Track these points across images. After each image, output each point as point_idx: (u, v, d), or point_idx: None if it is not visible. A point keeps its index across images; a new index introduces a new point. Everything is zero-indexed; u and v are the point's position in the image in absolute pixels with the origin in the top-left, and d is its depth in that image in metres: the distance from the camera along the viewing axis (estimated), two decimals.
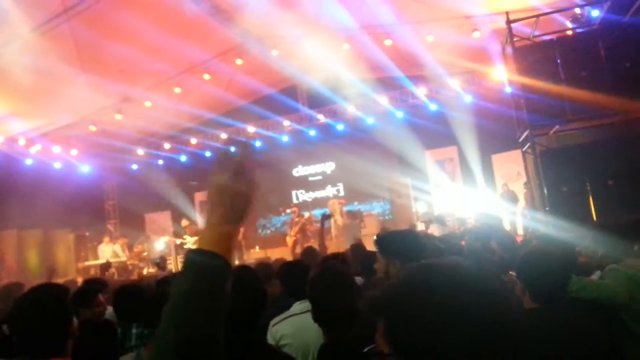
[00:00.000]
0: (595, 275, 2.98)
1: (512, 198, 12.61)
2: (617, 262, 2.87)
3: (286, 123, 15.10)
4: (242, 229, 10.32)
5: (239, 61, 12.86)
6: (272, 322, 2.89)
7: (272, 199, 16.37)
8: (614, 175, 6.72)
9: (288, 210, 13.55)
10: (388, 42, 11.72)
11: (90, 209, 16.26)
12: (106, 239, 13.70)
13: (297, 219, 12.88)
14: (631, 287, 2.64)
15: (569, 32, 8.73)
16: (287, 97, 15.63)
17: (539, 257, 2.26)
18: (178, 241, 12.95)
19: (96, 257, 13.63)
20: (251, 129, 15.19)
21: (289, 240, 12.75)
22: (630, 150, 6.74)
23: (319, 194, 16.38)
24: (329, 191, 16.24)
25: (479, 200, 12.79)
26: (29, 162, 14.10)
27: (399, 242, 2.61)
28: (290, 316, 2.87)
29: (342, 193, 15.98)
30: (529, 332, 2.01)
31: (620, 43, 7.08)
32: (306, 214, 13.30)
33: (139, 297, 3.10)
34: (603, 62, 7.05)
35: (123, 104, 13.69)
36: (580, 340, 1.98)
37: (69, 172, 15.22)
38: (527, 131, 7.65)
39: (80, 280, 10.13)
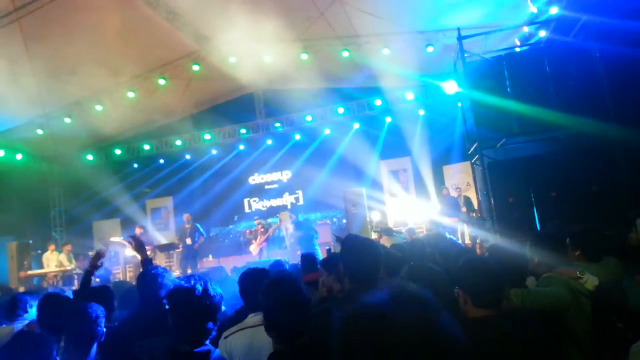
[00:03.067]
0: (530, 281, 3.12)
1: (454, 204, 12.26)
2: (550, 270, 3.01)
3: (242, 131, 15.01)
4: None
5: (195, 67, 12.71)
6: (225, 333, 2.77)
7: (227, 207, 16.22)
8: (557, 188, 7.04)
9: (254, 221, 13.48)
10: (345, 54, 11.89)
11: (35, 216, 15.60)
12: (52, 247, 13.17)
13: (261, 230, 12.85)
14: (568, 293, 2.78)
15: (517, 50, 9.11)
16: (244, 105, 15.56)
17: (474, 263, 2.37)
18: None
19: (40, 266, 13.08)
20: (207, 136, 15.00)
21: (254, 248, 12.70)
22: (573, 164, 7.06)
23: (274, 202, 16.35)
24: (287, 199, 16.24)
25: (430, 210, 13.05)
26: None
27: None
28: (244, 328, 2.75)
29: (300, 202, 16.01)
30: (472, 341, 2.07)
31: (564, 62, 7.42)
32: (274, 224, 13.29)
33: (60, 308, 3.02)
34: (548, 79, 7.38)
35: (73, 107, 13.27)
36: (524, 347, 2.05)
37: (13, 177, 14.54)
38: (476, 143, 7.90)
39: (22, 289, 9.72)
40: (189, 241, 12.16)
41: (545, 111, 6.97)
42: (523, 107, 7.10)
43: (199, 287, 2.16)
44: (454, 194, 12.60)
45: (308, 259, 5.24)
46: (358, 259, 2.67)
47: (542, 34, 9.29)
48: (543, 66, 7.43)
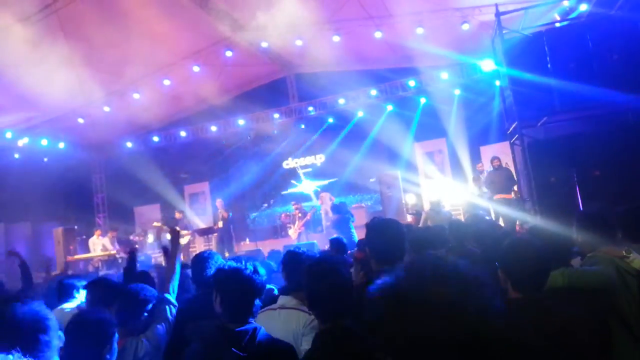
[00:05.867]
0: (575, 261, 3.05)
1: (507, 177, 10.48)
2: (594, 250, 2.93)
3: (276, 115, 15.07)
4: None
5: (228, 53, 12.79)
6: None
7: (262, 191, 16.41)
8: (600, 166, 6.82)
9: (292, 207, 13.58)
10: (378, 35, 11.72)
11: (79, 203, 16.16)
12: (98, 232, 13.66)
13: (299, 214, 12.95)
14: (614, 271, 2.71)
15: (557, 25, 8.80)
16: (277, 90, 15.59)
17: (519, 246, 2.31)
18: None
19: (85, 251, 13.59)
20: (241, 121, 15.13)
21: (293, 232, 12.84)
22: (617, 142, 6.82)
23: (308, 186, 16.41)
24: (320, 183, 16.28)
25: (468, 192, 12.84)
26: (16, 155, 13.95)
27: None
28: (267, 310, 2.87)
29: (333, 185, 16.03)
30: (512, 321, 2.05)
31: (607, 36, 7.14)
32: (309, 210, 13.39)
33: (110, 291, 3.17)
34: (591, 54, 7.11)
35: (112, 96, 13.58)
36: (571, 325, 2.02)
37: (57, 165, 15.07)
38: (516, 123, 7.71)
39: (69, 273, 10.11)
40: (220, 224, 12.51)
41: (588, 88, 6.74)
42: (565, 84, 6.88)
43: (250, 267, 2.26)
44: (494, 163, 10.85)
45: (337, 243, 5.40)
46: (381, 240, 2.70)
47: (584, 7, 8.93)
48: (585, 41, 7.16)
